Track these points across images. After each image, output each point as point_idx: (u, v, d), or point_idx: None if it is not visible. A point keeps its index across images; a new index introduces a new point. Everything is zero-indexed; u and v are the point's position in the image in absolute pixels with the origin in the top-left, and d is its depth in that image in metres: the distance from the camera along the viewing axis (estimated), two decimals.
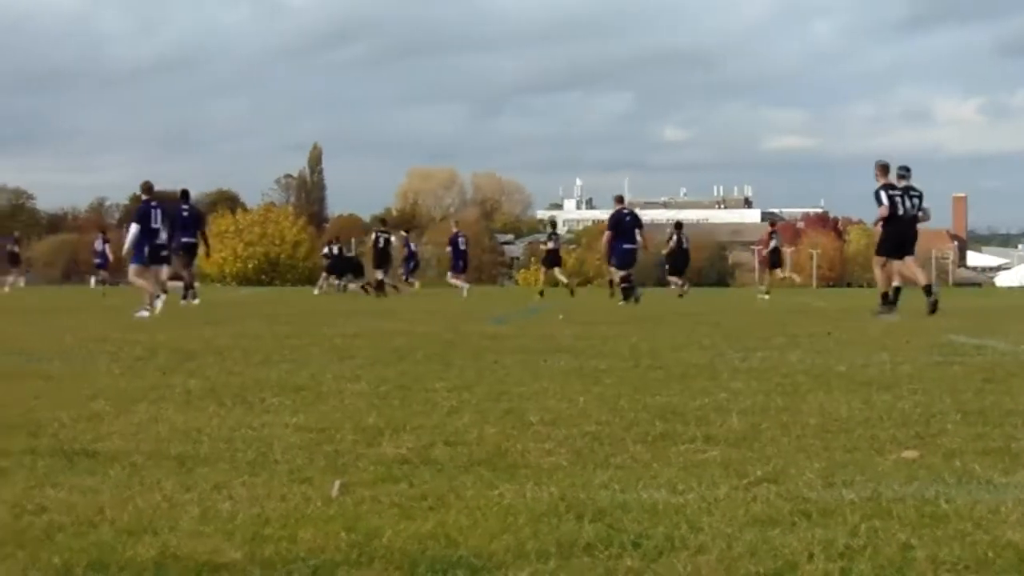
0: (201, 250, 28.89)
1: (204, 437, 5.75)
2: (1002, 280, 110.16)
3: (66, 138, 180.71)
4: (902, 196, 20.33)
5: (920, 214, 20.69)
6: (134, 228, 20.85)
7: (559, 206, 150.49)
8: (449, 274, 39.06)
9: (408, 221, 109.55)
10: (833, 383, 8.28)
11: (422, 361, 10.25)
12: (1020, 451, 5.37)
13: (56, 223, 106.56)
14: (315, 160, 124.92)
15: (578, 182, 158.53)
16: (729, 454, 5.28)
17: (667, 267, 37.98)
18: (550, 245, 38.18)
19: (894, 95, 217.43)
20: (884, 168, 20.56)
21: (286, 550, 3.55)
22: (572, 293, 36.91)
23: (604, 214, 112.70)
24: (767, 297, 34.70)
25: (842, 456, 5.24)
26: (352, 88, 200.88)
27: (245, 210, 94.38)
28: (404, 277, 43.27)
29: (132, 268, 20.92)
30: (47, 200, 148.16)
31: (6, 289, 46.24)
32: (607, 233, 28.97)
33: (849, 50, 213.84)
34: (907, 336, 13.87)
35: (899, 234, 20.45)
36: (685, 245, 37.12)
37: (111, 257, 45.90)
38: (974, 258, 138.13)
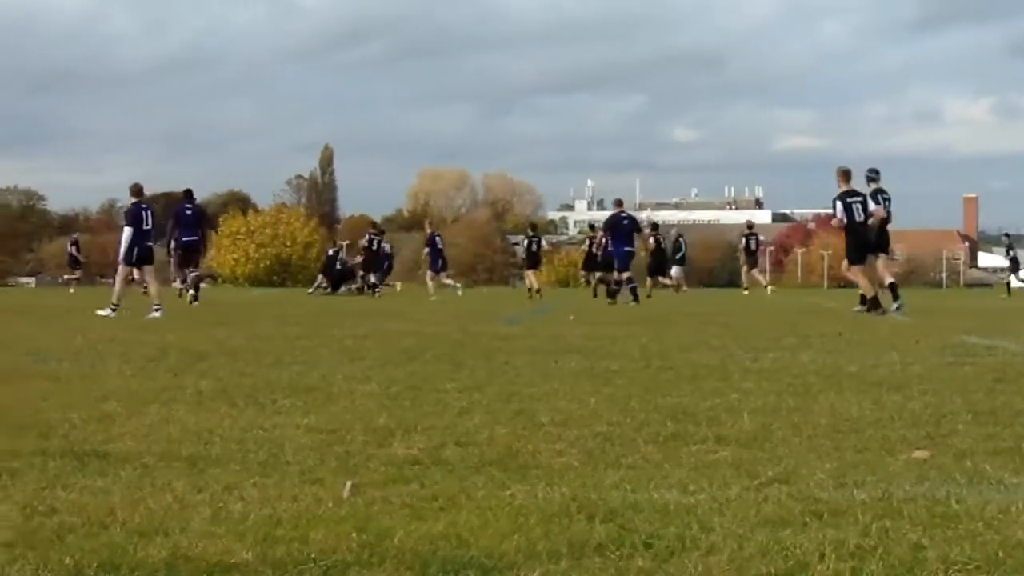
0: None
1: (215, 438, 5.75)
2: (1013, 281, 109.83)
3: (75, 139, 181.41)
4: (863, 201, 20.75)
5: (871, 221, 20.97)
6: (127, 231, 20.95)
7: (570, 207, 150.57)
8: (429, 274, 38.96)
9: (418, 222, 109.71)
10: (844, 383, 8.27)
11: (432, 362, 10.25)
12: None
13: (67, 224, 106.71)
14: (326, 161, 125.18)
15: (589, 183, 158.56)
16: (740, 454, 5.28)
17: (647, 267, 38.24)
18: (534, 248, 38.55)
19: (905, 95, 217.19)
20: (846, 175, 21.00)
21: (298, 551, 3.56)
22: (540, 294, 37.11)
23: None
24: (771, 292, 34.95)
25: (853, 456, 5.24)
26: (363, 88, 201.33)
27: (256, 211, 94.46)
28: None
29: (121, 269, 21.01)
30: (58, 201, 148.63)
31: (71, 290, 46.51)
32: (604, 236, 29.52)
33: (859, 50, 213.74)
34: (918, 336, 13.84)
35: (860, 240, 20.86)
36: (663, 245, 37.47)
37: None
38: (984, 259, 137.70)
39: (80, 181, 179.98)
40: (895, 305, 20.95)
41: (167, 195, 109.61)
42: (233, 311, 24.19)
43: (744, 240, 41.01)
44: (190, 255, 27.52)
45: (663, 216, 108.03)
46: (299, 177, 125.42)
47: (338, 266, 43.98)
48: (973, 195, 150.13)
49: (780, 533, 3.75)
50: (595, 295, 33.63)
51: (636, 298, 28.04)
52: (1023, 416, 6.51)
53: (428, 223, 44.96)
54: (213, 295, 40.16)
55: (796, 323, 17.54)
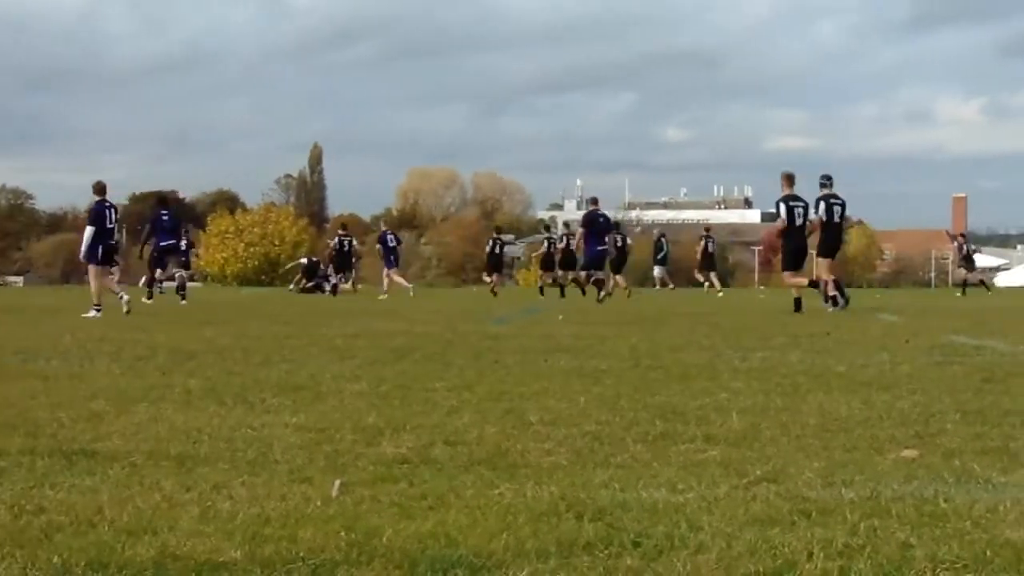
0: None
1: (204, 437, 5.75)
2: (1001, 280, 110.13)
3: (68, 138, 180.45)
4: (805, 206, 21.23)
5: (809, 224, 21.44)
6: (89, 230, 21.06)
7: (559, 206, 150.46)
8: (385, 271, 39.22)
9: (408, 221, 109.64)
10: (833, 383, 8.28)
11: (422, 361, 10.25)
12: (1018, 451, 5.38)
13: (56, 223, 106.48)
14: (315, 160, 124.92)
15: (578, 182, 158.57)
16: (729, 454, 5.28)
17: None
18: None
19: (896, 95, 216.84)
20: (789, 179, 21.46)
21: (286, 550, 3.56)
22: (495, 293, 37.93)
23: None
24: (721, 295, 35.33)
25: (841, 456, 5.24)
26: (354, 88, 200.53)
27: (245, 210, 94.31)
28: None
29: (92, 270, 21.08)
30: (49, 200, 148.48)
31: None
32: (581, 231, 29.76)
33: (852, 51, 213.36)
34: (907, 336, 13.87)
35: (798, 244, 21.33)
36: (620, 244, 37.76)
37: None
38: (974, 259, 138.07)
39: (74, 180, 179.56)
40: (842, 302, 21.45)
41: (158, 194, 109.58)
42: (222, 310, 24.17)
43: (703, 242, 41.64)
44: (171, 258, 29.01)
45: (652, 215, 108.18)
46: (288, 176, 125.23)
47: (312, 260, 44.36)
48: (962, 195, 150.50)
49: (768, 532, 3.75)
50: (563, 295, 34.21)
51: (600, 298, 28.47)
52: (1011, 416, 6.53)
53: (383, 222, 45.57)
54: (201, 294, 40.13)
55: (785, 323, 17.57)
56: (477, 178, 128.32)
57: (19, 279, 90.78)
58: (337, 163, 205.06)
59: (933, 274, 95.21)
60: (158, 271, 29.31)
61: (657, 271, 43.75)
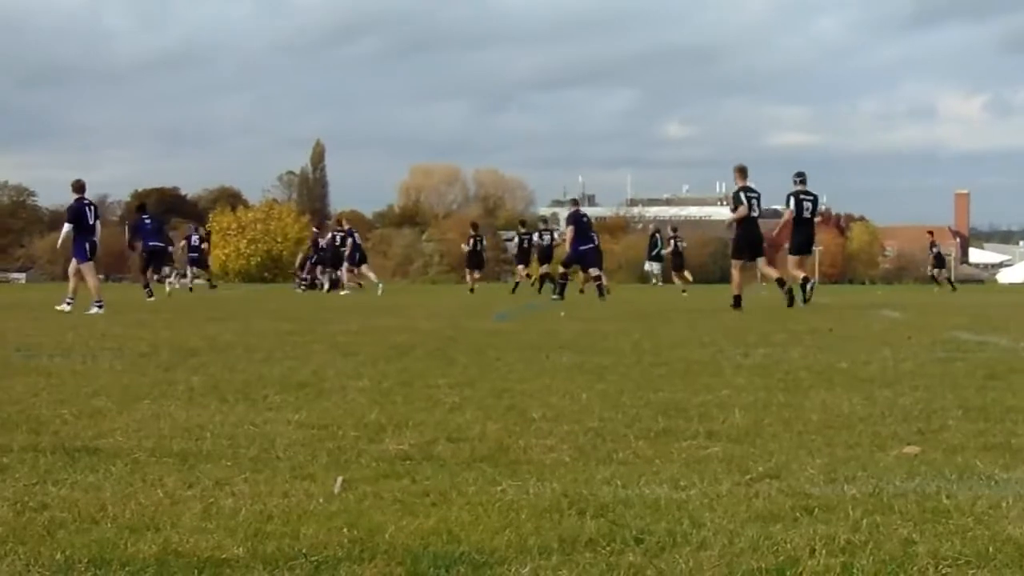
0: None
1: (206, 434, 5.75)
2: (1004, 277, 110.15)
3: (69, 135, 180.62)
4: (759, 197, 21.92)
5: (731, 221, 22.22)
6: (67, 227, 21.31)
7: (561, 203, 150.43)
8: (345, 266, 39.46)
9: (410, 218, 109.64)
10: (835, 379, 8.28)
11: (424, 358, 10.25)
12: (1021, 447, 5.37)
13: (58, 220, 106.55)
14: (317, 157, 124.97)
15: (580, 179, 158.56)
16: (731, 450, 5.28)
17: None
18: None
19: (899, 92, 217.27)
20: (742, 171, 21.97)
21: (288, 546, 3.56)
22: (472, 291, 38.31)
23: (606, 211, 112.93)
24: (685, 294, 35.64)
25: (844, 452, 5.24)
26: (356, 85, 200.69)
27: (247, 207, 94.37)
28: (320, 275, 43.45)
29: (84, 268, 21.24)
30: (51, 197, 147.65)
31: (190, 285, 46.23)
32: (570, 230, 30.21)
33: (854, 46, 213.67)
34: (909, 332, 13.87)
35: (751, 236, 21.72)
36: (596, 243, 38.06)
37: None
38: (976, 255, 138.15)
39: (72, 177, 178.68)
40: (804, 296, 22.11)
41: (160, 191, 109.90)
42: (224, 307, 24.17)
43: (672, 243, 42.23)
44: (156, 261, 30.56)
45: (654, 212, 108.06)
46: (290, 173, 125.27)
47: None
48: (965, 191, 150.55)
49: (771, 528, 3.75)
50: (540, 291, 35.06)
51: (601, 293, 28.95)
52: (1013, 412, 6.53)
53: (344, 220, 45.92)
54: (203, 291, 40.11)
55: (787, 319, 17.56)
56: (478, 175, 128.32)
57: (22, 276, 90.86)
58: (339, 159, 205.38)
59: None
60: (149, 271, 30.46)
61: (653, 267, 43.90)
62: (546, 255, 36.82)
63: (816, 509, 4.03)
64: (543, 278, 36.40)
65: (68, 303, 20.49)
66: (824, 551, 3.47)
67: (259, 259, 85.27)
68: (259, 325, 16.02)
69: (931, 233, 49.94)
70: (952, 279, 47.64)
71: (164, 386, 7.86)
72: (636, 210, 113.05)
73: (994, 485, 4.50)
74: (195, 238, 43.50)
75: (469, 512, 4.00)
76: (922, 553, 3.46)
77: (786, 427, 5.98)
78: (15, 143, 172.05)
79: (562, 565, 3.38)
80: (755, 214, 21.74)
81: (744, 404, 6.82)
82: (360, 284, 40.95)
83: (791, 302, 21.21)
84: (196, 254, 43.09)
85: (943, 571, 3.33)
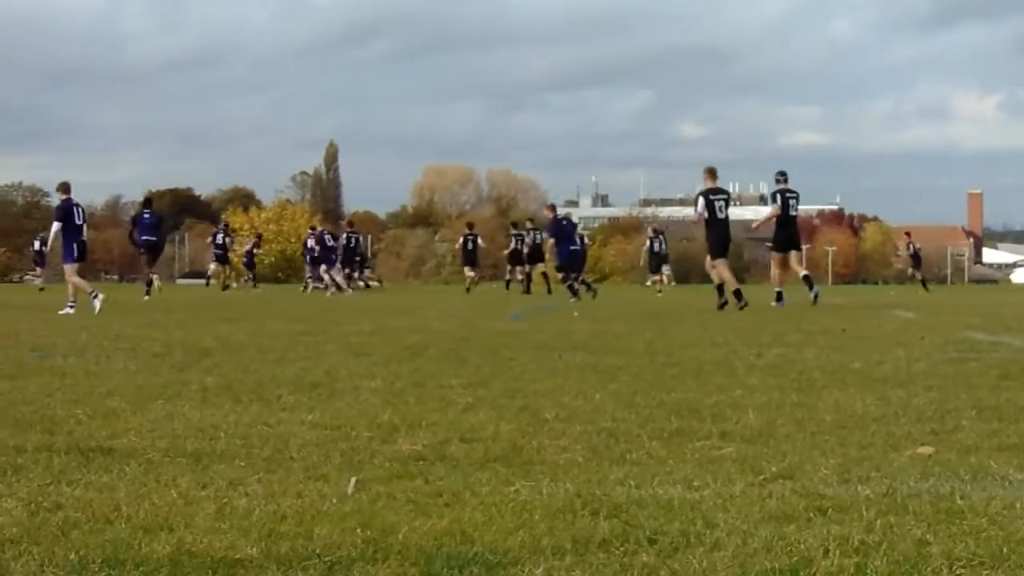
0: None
1: (220, 434, 5.76)
2: (1018, 277, 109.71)
3: (85, 135, 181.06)
4: (726, 199, 22.28)
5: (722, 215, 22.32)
6: (56, 226, 21.49)
7: (575, 203, 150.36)
8: (322, 268, 40.04)
9: (423, 218, 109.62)
10: (848, 380, 8.26)
11: (437, 358, 10.25)
12: None
13: None
14: (331, 157, 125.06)
15: (593, 179, 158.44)
16: (744, 450, 5.28)
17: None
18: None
19: (912, 91, 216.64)
20: (711, 173, 22.38)
21: (302, 547, 3.56)
22: (468, 291, 39.26)
23: (619, 211, 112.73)
24: (660, 294, 35.98)
25: (857, 452, 5.24)
26: (370, 85, 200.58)
27: (260, 208, 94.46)
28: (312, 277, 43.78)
29: (68, 268, 21.49)
30: None
31: (235, 285, 46.50)
32: (551, 239, 31.39)
33: (868, 47, 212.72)
34: (922, 333, 13.84)
35: (720, 236, 22.07)
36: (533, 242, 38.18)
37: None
38: (989, 255, 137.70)
39: (91, 178, 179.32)
40: (812, 294, 22.77)
41: (174, 191, 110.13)
42: (236, 307, 24.21)
43: (649, 243, 43.02)
44: (153, 255, 31.28)
45: (668, 212, 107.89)
46: (303, 174, 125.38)
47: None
48: (978, 191, 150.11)
49: (784, 529, 3.75)
50: (527, 291, 36.07)
51: (575, 293, 29.33)
52: None
53: (317, 222, 46.62)
54: (216, 291, 40.17)
55: (800, 319, 17.53)
56: (492, 175, 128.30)
57: (39, 277, 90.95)
58: (353, 160, 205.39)
59: (949, 270, 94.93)
60: (150, 268, 31.48)
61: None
62: (537, 256, 37.15)
63: (830, 509, 4.02)
64: (528, 279, 37.28)
65: (70, 305, 20.53)
66: (838, 552, 3.47)
67: (272, 260, 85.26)
68: (271, 326, 16.05)
69: (908, 234, 50.94)
70: (925, 280, 48.27)
71: (178, 386, 7.88)
72: (649, 210, 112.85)
73: (1008, 486, 4.49)
74: (220, 236, 44.08)
75: (482, 512, 4.00)
76: (936, 554, 3.45)
77: (799, 427, 5.97)
78: (29, 144, 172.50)
79: (575, 566, 3.38)
80: (720, 216, 21.91)
81: (757, 404, 6.82)
82: (371, 284, 41.28)
83: (723, 305, 21.40)
84: (220, 251, 43.76)
85: (957, 572, 3.32)
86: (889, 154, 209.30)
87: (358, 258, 43.78)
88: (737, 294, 21.31)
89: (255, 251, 45.99)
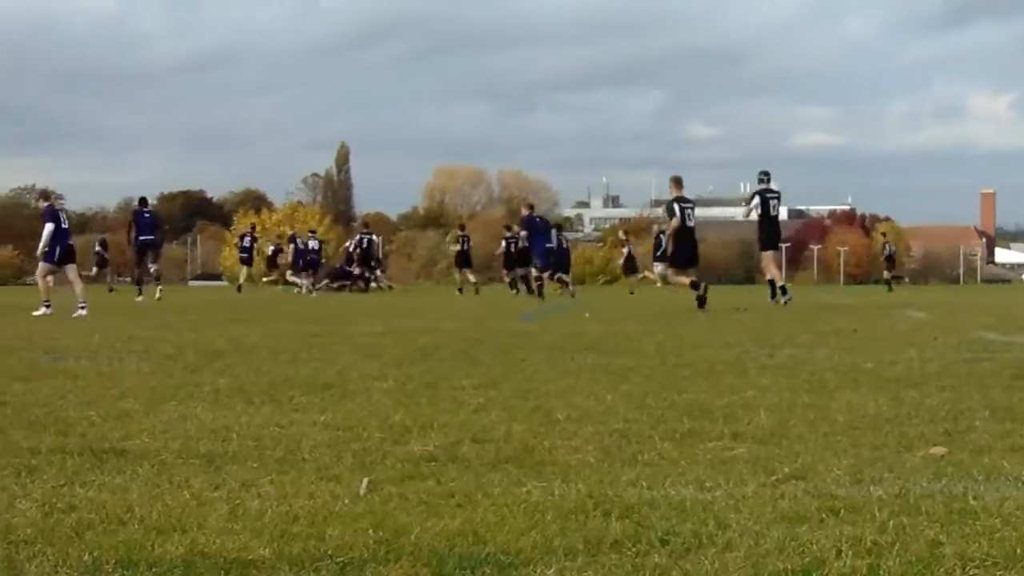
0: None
1: (233, 435, 5.77)
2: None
3: (97, 138, 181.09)
4: (693, 207, 22.51)
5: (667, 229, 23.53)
6: (49, 227, 21.57)
7: (586, 204, 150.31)
8: (289, 272, 41.01)
9: (434, 219, 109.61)
10: (860, 380, 8.25)
11: (449, 359, 10.26)
12: None
13: (85, 223, 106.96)
14: (342, 159, 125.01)
15: (604, 180, 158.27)
16: (757, 451, 5.27)
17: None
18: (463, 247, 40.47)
19: (925, 91, 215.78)
20: (678, 182, 22.62)
21: (314, 548, 3.57)
22: (477, 292, 39.91)
23: (630, 212, 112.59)
24: (632, 294, 36.40)
25: (870, 453, 5.23)
26: (381, 87, 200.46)
27: (271, 209, 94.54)
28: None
29: (42, 267, 21.65)
30: (78, 200, 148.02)
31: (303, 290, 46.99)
32: (524, 235, 32.14)
33: (882, 47, 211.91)
34: (935, 333, 13.81)
35: (687, 245, 22.29)
36: (565, 245, 38.43)
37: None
38: (1002, 255, 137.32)
39: (104, 180, 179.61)
40: (784, 299, 23.04)
41: (186, 193, 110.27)
42: (248, 309, 24.24)
43: (625, 248, 44.27)
44: (149, 252, 31.61)
45: None
46: (314, 175, 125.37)
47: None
48: (991, 191, 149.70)
49: (797, 530, 3.75)
50: (516, 292, 36.56)
51: (540, 295, 30.04)
52: None
53: (290, 228, 47.38)
54: (228, 293, 40.24)
55: (812, 320, 17.51)
56: (503, 176, 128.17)
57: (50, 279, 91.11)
58: (364, 161, 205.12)
59: (962, 270, 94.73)
60: (142, 267, 31.86)
61: (659, 267, 44.14)
62: (525, 259, 37.32)
63: (842, 510, 4.02)
64: (514, 282, 37.87)
65: (81, 307, 20.58)
66: (850, 552, 3.47)
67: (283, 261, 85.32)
68: (283, 327, 16.07)
69: (884, 235, 51.75)
70: (891, 281, 49.04)
71: (190, 388, 7.89)
72: (660, 211, 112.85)
73: (1021, 486, 4.48)
74: (248, 239, 44.46)
75: (494, 513, 4.00)
76: (949, 555, 3.45)
77: (812, 428, 5.96)
78: (44, 146, 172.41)
79: (587, 566, 3.38)
80: (690, 224, 22.10)
81: (769, 405, 6.81)
82: (386, 286, 41.50)
83: (702, 303, 21.38)
84: (246, 254, 44.17)
85: (970, 573, 3.31)
86: (901, 154, 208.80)
87: (374, 262, 43.96)
88: (696, 287, 21.40)
89: (280, 252, 46.58)
